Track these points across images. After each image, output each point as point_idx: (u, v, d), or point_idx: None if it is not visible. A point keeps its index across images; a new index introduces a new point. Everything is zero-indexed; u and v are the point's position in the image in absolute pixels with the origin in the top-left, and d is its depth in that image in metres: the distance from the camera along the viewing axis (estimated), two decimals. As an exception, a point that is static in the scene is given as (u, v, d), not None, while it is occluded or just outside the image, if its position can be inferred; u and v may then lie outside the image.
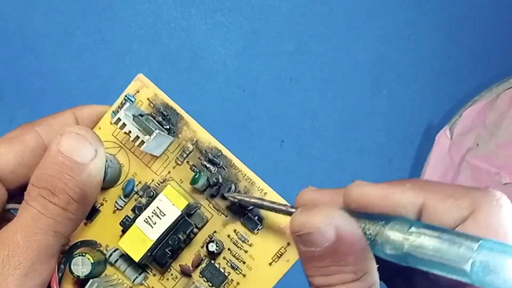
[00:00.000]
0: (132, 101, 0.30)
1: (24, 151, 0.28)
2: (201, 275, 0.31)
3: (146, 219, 0.28)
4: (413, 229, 0.23)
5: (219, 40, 0.65)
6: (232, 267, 0.31)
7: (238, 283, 0.31)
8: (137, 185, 0.31)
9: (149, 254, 0.29)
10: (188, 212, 0.29)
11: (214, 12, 0.65)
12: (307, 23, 0.66)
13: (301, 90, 0.66)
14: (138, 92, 0.30)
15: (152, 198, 0.29)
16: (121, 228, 0.30)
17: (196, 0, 0.65)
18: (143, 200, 0.30)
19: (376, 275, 0.24)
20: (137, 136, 0.28)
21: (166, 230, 0.28)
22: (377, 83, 0.67)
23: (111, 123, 0.30)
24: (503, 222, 0.23)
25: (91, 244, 0.31)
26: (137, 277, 0.30)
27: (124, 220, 0.30)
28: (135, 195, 0.31)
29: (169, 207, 0.28)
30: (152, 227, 0.28)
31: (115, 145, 0.30)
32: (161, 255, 0.29)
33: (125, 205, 0.31)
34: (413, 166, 0.69)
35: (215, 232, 0.31)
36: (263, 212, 0.30)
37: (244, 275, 0.31)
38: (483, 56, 0.68)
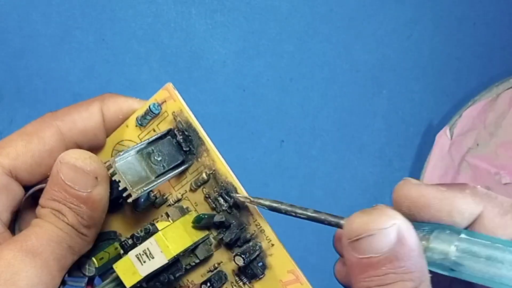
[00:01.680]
0: (156, 114, 0.29)
1: (42, 151, 0.28)
2: None
3: (137, 255, 0.28)
4: (463, 235, 0.22)
5: (219, 40, 0.65)
6: None
7: None
8: (156, 193, 0.30)
9: (139, 285, 0.29)
10: (191, 251, 0.29)
11: (214, 12, 0.65)
12: (307, 23, 0.66)
13: (301, 90, 0.66)
14: (165, 102, 0.29)
15: (146, 233, 0.29)
16: (123, 242, 0.30)
17: (196, 0, 0.65)
18: (139, 233, 0.29)
19: (430, 285, 0.22)
20: (125, 188, 0.27)
21: (154, 271, 0.28)
22: (377, 83, 0.67)
23: (135, 126, 0.29)
24: None
25: (109, 236, 0.30)
26: None
27: (123, 243, 0.30)
28: (150, 205, 0.30)
29: (157, 252, 0.28)
30: (142, 264, 0.28)
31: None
32: (153, 286, 0.29)
33: (140, 211, 0.30)
34: (413, 166, 0.69)
35: (221, 262, 0.30)
36: (268, 262, 0.29)
37: None
38: (483, 56, 0.68)
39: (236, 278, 0.30)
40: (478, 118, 0.66)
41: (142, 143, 0.28)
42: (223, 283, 0.30)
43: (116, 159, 0.27)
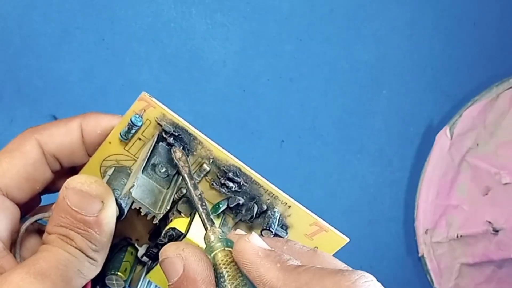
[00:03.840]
0: (139, 126, 0.29)
1: (26, 165, 0.28)
2: None
3: None
4: None
5: (219, 40, 0.65)
6: None
7: None
8: None
9: None
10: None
11: (214, 12, 0.65)
12: (307, 23, 0.66)
13: (301, 90, 0.66)
14: (144, 111, 0.29)
15: (172, 239, 0.29)
16: (147, 252, 0.31)
17: (196, 0, 0.65)
18: (164, 239, 0.29)
19: None
20: (146, 213, 0.27)
21: None
22: (377, 83, 0.67)
23: (120, 142, 0.30)
24: None
25: (122, 245, 0.31)
26: None
27: (148, 253, 0.31)
28: None
29: None
30: None
31: (128, 158, 0.30)
32: None
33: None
34: (413, 166, 0.69)
35: None
36: (288, 221, 0.30)
37: None
38: (483, 56, 0.68)
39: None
40: (478, 118, 0.66)
41: (143, 161, 0.28)
42: None
43: (131, 190, 0.27)
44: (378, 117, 0.68)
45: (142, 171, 0.28)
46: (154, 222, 0.28)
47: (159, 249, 0.29)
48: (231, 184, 0.29)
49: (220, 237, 0.25)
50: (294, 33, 0.66)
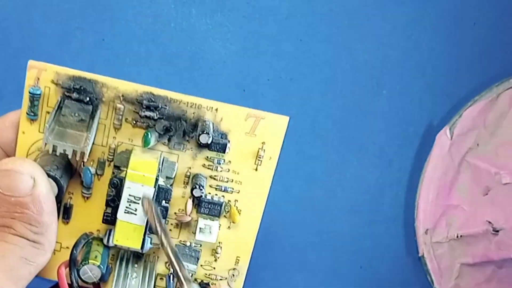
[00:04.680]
0: (39, 94, 0.28)
1: None
2: (199, 214, 0.30)
3: (125, 210, 0.28)
4: None
5: (219, 40, 0.65)
6: (223, 191, 0.30)
7: (236, 201, 0.31)
8: (92, 165, 0.30)
9: (146, 236, 0.28)
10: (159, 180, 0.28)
11: (214, 12, 0.65)
12: (307, 23, 0.66)
13: (301, 90, 0.66)
14: (38, 79, 0.28)
15: (117, 187, 0.28)
16: (104, 216, 0.30)
17: (196, 0, 0.64)
18: (111, 192, 0.29)
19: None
20: (73, 152, 0.27)
21: None
22: (377, 83, 0.67)
23: (30, 123, 0.29)
24: None
25: (83, 240, 0.30)
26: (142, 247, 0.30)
27: (105, 217, 0.29)
28: (96, 176, 0.30)
29: (140, 189, 0.27)
30: (135, 214, 0.28)
31: None
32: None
33: (91, 192, 0.30)
34: (413, 166, 0.69)
35: (189, 168, 0.30)
36: (224, 127, 0.30)
37: (238, 191, 0.30)
38: (483, 56, 0.68)
39: (208, 163, 0.30)
40: (478, 118, 0.66)
41: (51, 114, 0.28)
42: (206, 181, 0.30)
43: (46, 135, 0.26)
44: (378, 117, 0.68)
45: (55, 122, 0.27)
46: (84, 160, 0.27)
47: (112, 207, 0.29)
48: (151, 113, 0.29)
49: None
50: (294, 33, 0.66)
